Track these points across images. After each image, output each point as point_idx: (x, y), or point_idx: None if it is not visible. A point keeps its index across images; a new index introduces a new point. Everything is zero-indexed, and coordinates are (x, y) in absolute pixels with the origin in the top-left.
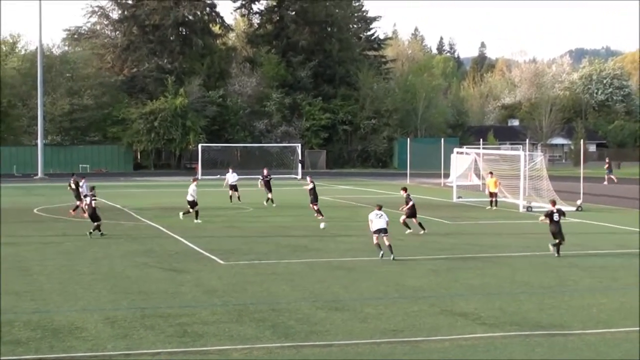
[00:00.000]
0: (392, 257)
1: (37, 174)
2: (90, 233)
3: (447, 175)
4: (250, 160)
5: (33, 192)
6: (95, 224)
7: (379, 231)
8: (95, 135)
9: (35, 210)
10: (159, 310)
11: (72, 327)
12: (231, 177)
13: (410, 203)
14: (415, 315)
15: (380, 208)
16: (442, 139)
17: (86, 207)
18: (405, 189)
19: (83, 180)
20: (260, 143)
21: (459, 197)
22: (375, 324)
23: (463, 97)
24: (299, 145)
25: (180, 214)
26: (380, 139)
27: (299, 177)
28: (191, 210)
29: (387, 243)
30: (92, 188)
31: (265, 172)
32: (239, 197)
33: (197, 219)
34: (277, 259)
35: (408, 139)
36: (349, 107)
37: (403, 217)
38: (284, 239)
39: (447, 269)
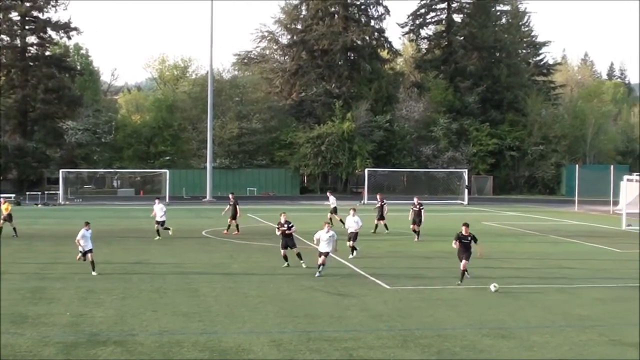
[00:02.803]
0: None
1: (205, 197)
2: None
3: (616, 203)
4: (416, 186)
5: (202, 215)
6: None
7: (325, 254)
8: (263, 158)
9: (203, 232)
10: (324, 334)
11: (239, 349)
12: (332, 200)
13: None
14: (583, 344)
15: (355, 211)
16: (612, 166)
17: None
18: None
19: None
20: (427, 168)
21: (628, 225)
22: (542, 352)
23: (634, 123)
24: (466, 170)
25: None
26: (547, 165)
27: (466, 202)
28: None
29: (320, 262)
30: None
31: (415, 200)
32: (341, 220)
33: (159, 235)
34: (442, 284)
35: (576, 166)
36: (517, 132)
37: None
38: (449, 264)
39: (616, 298)
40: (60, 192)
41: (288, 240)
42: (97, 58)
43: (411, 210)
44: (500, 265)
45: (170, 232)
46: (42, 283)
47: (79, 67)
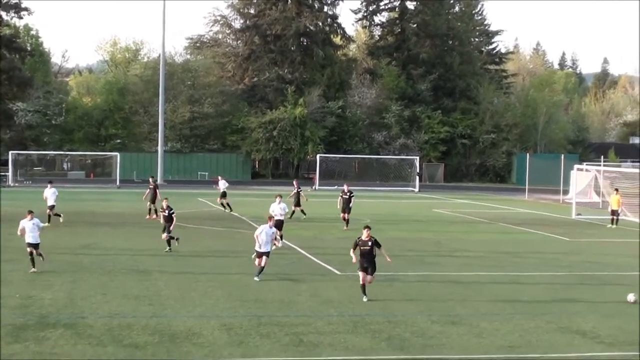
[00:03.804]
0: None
1: (156, 181)
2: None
3: (566, 192)
4: (367, 172)
5: None
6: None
7: (266, 254)
8: (214, 143)
9: (154, 216)
10: (275, 319)
11: (189, 333)
12: (222, 184)
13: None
14: (532, 331)
15: (281, 198)
16: (562, 155)
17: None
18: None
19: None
20: (378, 155)
21: (578, 214)
22: (491, 339)
23: (584, 113)
24: (417, 158)
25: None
26: (499, 154)
27: (417, 189)
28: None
29: (259, 264)
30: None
31: (345, 188)
32: (228, 204)
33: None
34: (393, 271)
35: (527, 154)
36: (469, 120)
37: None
38: (401, 251)
39: (565, 287)
40: (10, 173)
41: (168, 226)
42: (47, 39)
43: (340, 198)
44: (451, 253)
45: (60, 220)
46: None
47: (29, 48)
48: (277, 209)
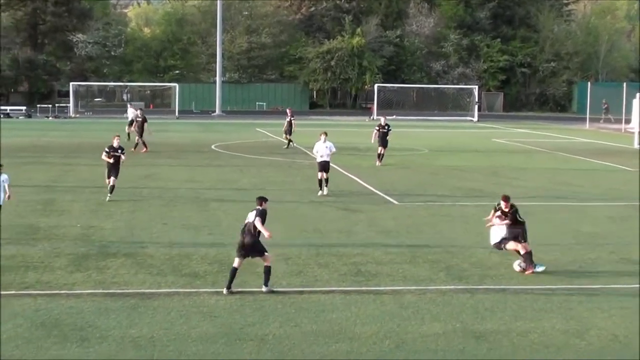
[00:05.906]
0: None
1: (214, 111)
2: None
3: (628, 121)
4: (425, 102)
5: (211, 129)
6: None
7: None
8: (272, 73)
9: (212, 147)
10: (333, 249)
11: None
12: (131, 112)
13: None
14: (593, 262)
15: (326, 135)
16: (624, 84)
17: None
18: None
19: None
20: (437, 84)
21: None
22: (551, 269)
23: None
24: (476, 87)
25: None
26: (559, 83)
27: (475, 119)
28: None
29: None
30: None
31: (382, 120)
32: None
33: None
34: (451, 201)
35: (588, 83)
36: (528, 49)
37: None
38: (459, 181)
39: (626, 217)
40: (71, 104)
41: (115, 168)
42: None
43: (376, 131)
44: (510, 183)
45: None
46: (52, 195)
47: None
48: (323, 149)
